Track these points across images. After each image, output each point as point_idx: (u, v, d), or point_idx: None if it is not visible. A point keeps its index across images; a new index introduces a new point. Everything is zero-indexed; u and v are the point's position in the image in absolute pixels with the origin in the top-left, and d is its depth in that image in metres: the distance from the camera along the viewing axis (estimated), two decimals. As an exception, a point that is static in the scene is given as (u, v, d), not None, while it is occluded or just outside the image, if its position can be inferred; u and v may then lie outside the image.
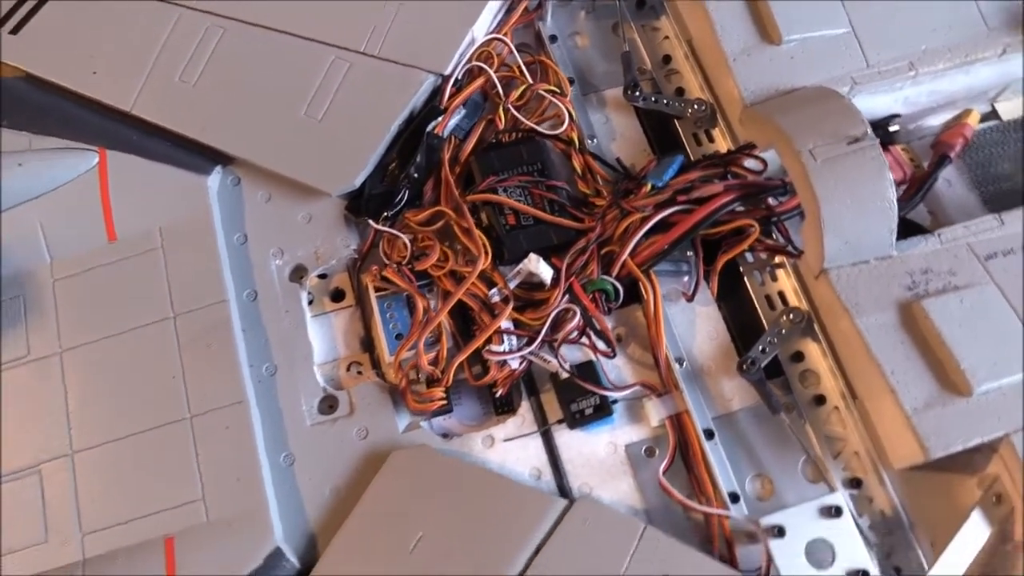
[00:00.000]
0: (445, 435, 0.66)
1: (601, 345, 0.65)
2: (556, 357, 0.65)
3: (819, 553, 0.57)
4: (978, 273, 0.63)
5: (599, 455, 0.64)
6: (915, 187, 0.72)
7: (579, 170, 0.72)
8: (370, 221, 0.69)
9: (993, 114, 0.79)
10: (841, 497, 0.59)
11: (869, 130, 0.64)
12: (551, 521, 0.58)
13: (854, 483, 0.63)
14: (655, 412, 0.64)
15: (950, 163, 0.73)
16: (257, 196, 0.72)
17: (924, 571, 0.59)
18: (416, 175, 0.70)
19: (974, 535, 0.58)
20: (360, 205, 0.70)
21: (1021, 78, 0.76)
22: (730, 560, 0.60)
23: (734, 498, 0.62)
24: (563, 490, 0.63)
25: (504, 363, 0.65)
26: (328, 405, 0.66)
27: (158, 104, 0.74)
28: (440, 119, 0.71)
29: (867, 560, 0.57)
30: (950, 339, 0.59)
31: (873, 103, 0.73)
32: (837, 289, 0.62)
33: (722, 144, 0.74)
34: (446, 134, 0.72)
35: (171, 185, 0.72)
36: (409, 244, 0.68)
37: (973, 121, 0.74)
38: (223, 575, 0.59)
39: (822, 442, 0.64)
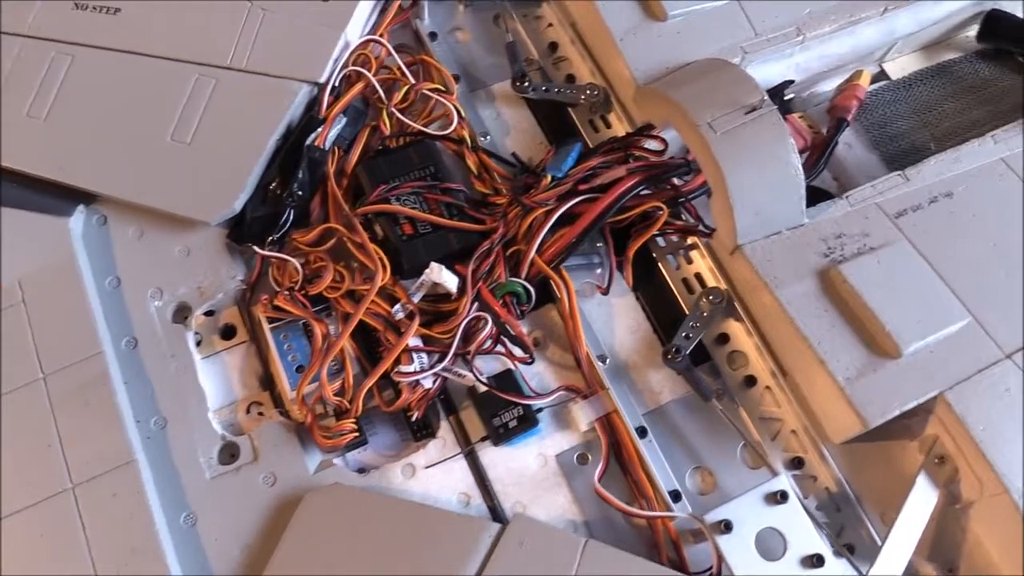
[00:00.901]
0: (362, 470, 0.61)
1: (518, 352, 0.61)
2: (471, 370, 0.60)
3: (770, 543, 0.54)
4: (890, 232, 0.62)
5: (530, 470, 0.60)
6: (817, 153, 0.71)
7: (474, 169, 0.68)
8: (255, 247, 0.63)
9: (882, 75, 0.79)
10: (785, 481, 0.56)
11: (765, 97, 0.62)
12: (485, 547, 0.54)
13: (796, 463, 0.61)
14: (583, 416, 0.60)
15: (848, 126, 0.72)
16: (128, 234, 0.66)
17: (877, 545, 0.56)
18: (300, 192, 0.65)
19: (923, 500, 0.56)
20: (242, 231, 0.65)
21: (904, 37, 0.76)
22: (679, 563, 0.57)
23: (675, 496, 0.59)
24: (495, 513, 0.59)
25: (416, 383, 0.60)
26: (229, 454, 0.60)
27: (7, 145, 0.67)
28: (320, 130, 0.66)
29: (819, 544, 0.54)
30: (872, 302, 0.57)
31: (766, 71, 0.71)
32: (753, 263, 0.60)
33: (620, 128, 0.71)
34: (328, 145, 0.67)
35: (28, 232, 0.65)
36: (300, 267, 0.63)
37: (864, 82, 0.73)
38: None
39: (758, 425, 0.62)
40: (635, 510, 0.56)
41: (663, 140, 0.67)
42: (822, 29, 0.70)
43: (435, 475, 0.60)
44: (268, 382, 0.63)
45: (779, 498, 0.55)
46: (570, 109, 0.72)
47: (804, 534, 0.54)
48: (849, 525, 0.59)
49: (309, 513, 0.56)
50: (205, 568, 0.56)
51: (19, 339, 0.61)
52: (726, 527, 0.54)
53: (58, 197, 0.66)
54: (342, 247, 0.64)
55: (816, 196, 0.65)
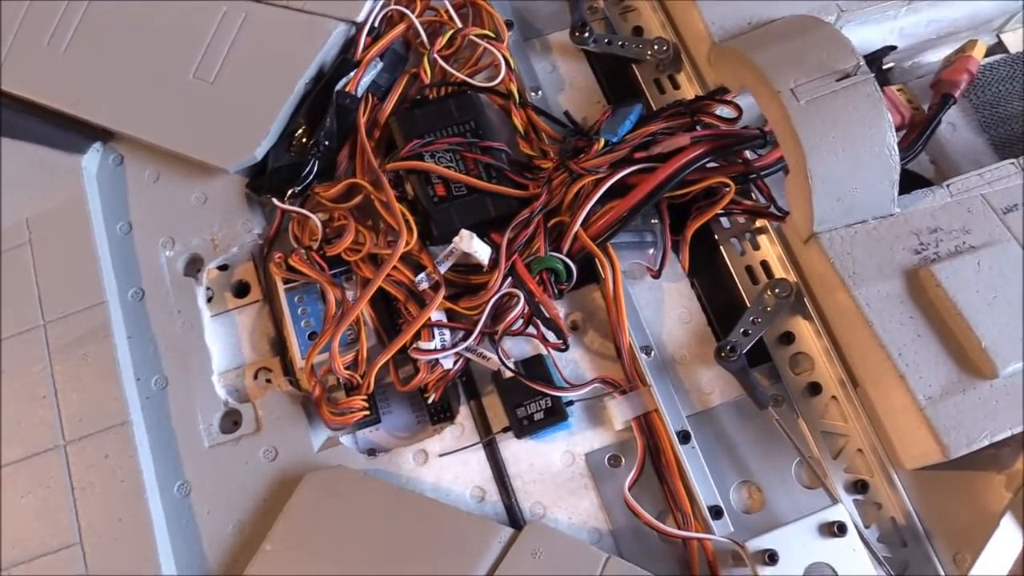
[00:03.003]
0: (372, 451, 0.56)
1: (551, 337, 0.54)
2: (497, 352, 0.54)
3: (820, 579, 0.47)
4: (996, 229, 0.53)
5: (554, 467, 0.54)
6: (915, 133, 0.62)
7: (520, 128, 0.61)
8: (274, 200, 0.58)
9: (999, 47, 0.69)
10: (843, 510, 0.49)
11: (862, 62, 0.53)
12: (494, 554, 0.48)
13: (859, 487, 0.53)
14: (619, 413, 0.54)
15: (954, 103, 0.62)
16: (144, 176, 0.61)
17: (946, 590, 0.49)
18: (327, 142, 0.59)
19: (1005, 545, 0.48)
20: (263, 181, 0.60)
21: (1027, 3, 0.66)
22: (714, 584, 0.50)
23: (716, 513, 0.52)
24: (511, 512, 0.53)
25: (435, 363, 0.54)
26: (232, 421, 0.56)
27: (24, 74, 0.63)
28: (353, 75, 0.60)
29: (878, 585, 0.47)
30: (967, 311, 0.49)
31: (864, 35, 0.62)
32: (830, 256, 0.52)
33: (689, 91, 0.63)
34: (360, 92, 0.61)
35: (40, 168, 0.61)
36: (321, 225, 0.57)
37: (978, 54, 0.63)
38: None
39: (819, 439, 0.54)
40: (668, 528, 0.50)
41: (737, 107, 0.59)
42: (936, -12, 0.61)
43: (449, 464, 0.54)
44: (280, 347, 0.58)
45: (836, 530, 0.48)
46: (634, 66, 0.64)
47: (861, 573, 0.47)
48: (915, 563, 0.51)
49: (308, 494, 0.52)
50: (194, 543, 0.52)
51: (23, 282, 0.58)
52: (771, 558, 0.47)
53: (74, 133, 0.62)
54: (370, 206, 0.58)
55: (910, 182, 0.56)
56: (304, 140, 0.59)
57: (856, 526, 0.49)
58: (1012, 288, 0.50)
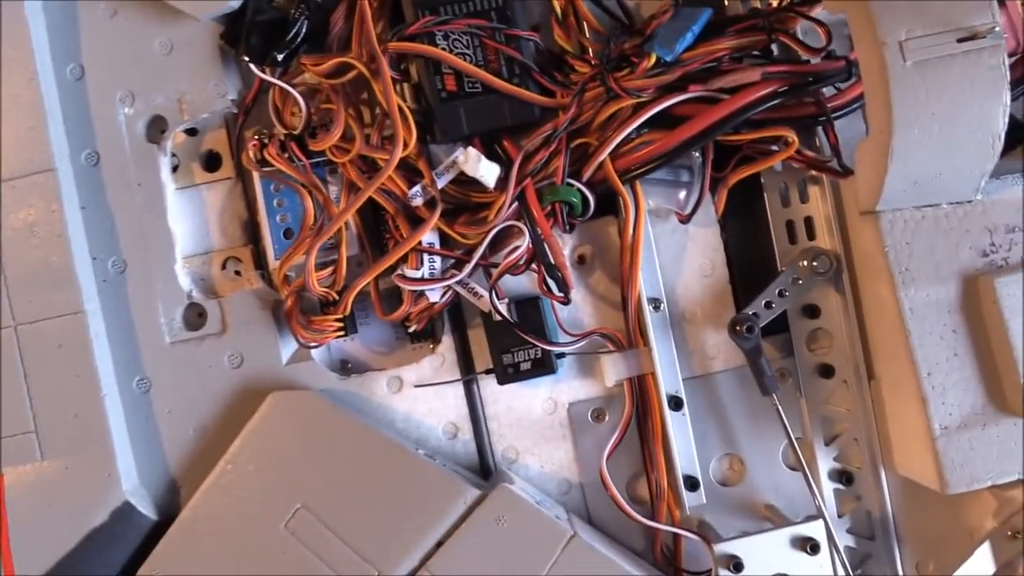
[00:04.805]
0: (345, 362, 0.53)
1: (553, 288, 0.48)
2: (491, 292, 0.49)
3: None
4: (1088, 245, 0.46)
5: (534, 413, 0.52)
6: (1027, 65, 0.51)
7: (559, 9, 0.49)
8: (252, 67, 0.49)
9: None
10: (821, 529, 0.47)
11: (998, 22, 0.42)
12: (458, 513, 0.47)
13: (844, 478, 0.51)
14: (612, 371, 0.50)
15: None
16: (98, 9, 0.50)
17: (899, 594, 0.49)
18: None
19: (976, 572, 0.48)
20: (239, 35, 0.49)
21: None
22: (675, 556, 0.50)
23: (692, 484, 0.50)
24: (482, 454, 0.51)
25: (421, 293, 0.49)
26: (197, 314, 0.51)
27: None
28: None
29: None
30: (1018, 338, 0.43)
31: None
32: (886, 243, 0.46)
33: (773, -19, 0.51)
34: (365, -62, 0.48)
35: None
36: (305, 107, 0.49)
37: None
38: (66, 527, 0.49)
39: (816, 422, 0.51)
40: (637, 516, 0.48)
41: (826, 29, 0.47)
42: None
43: (424, 396, 0.51)
44: (252, 233, 0.52)
45: (808, 548, 0.46)
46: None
47: (825, 594, 0.47)
48: (876, 558, 0.51)
49: (271, 416, 0.49)
50: (154, 443, 0.51)
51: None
52: (736, 567, 0.46)
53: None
54: (364, 79, 0.49)
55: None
56: (291, -8, 0.48)
57: (831, 550, 0.47)
58: (1079, 324, 0.44)
